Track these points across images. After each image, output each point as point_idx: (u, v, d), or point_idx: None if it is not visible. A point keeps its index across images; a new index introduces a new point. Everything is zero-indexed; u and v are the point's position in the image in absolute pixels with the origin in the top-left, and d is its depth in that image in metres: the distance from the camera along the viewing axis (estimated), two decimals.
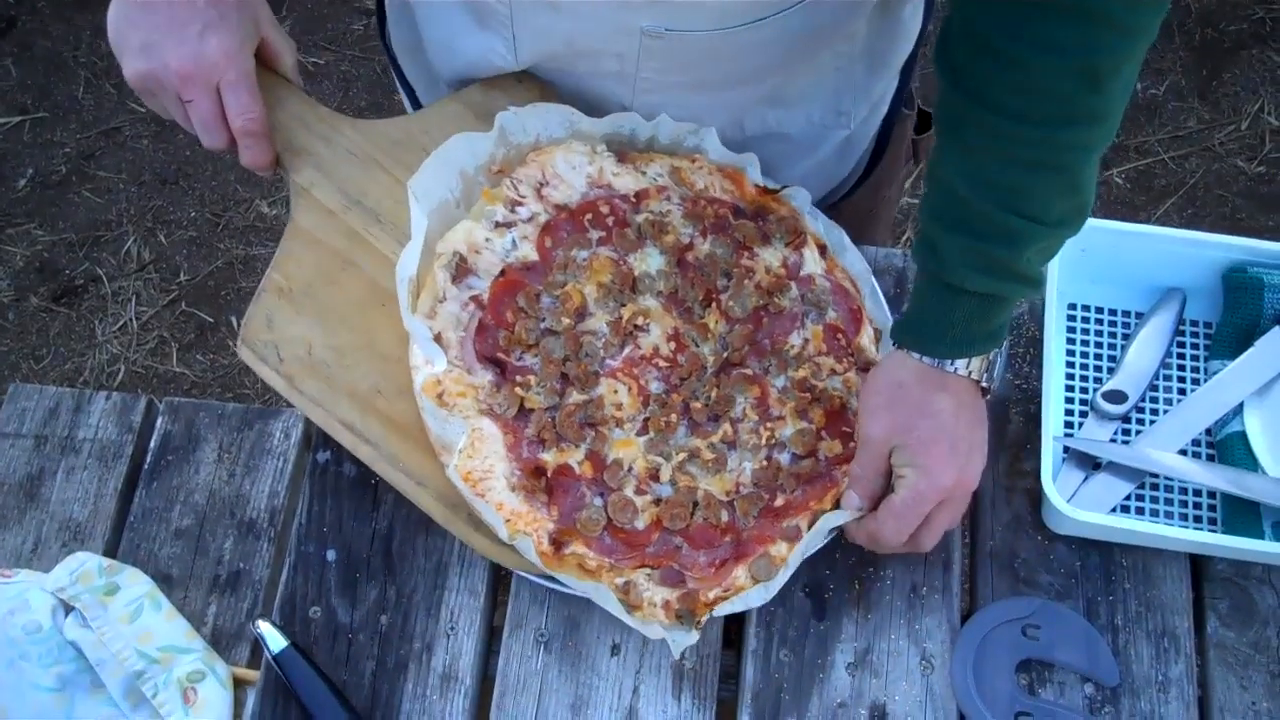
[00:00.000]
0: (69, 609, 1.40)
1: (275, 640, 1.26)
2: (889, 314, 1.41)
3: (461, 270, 1.38)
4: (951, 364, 1.23)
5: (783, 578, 1.26)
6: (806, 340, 1.39)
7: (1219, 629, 1.31)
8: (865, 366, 1.37)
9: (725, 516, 1.30)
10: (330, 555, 1.34)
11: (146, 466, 1.51)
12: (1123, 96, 1.10)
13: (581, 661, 1.29)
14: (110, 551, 1.48)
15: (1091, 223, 1.42)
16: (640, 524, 1.29)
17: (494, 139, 1.44)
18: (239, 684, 1.43)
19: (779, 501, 1.31)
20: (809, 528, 1.28)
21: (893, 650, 1.29)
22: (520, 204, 1.43)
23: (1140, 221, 3.00)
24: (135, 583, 1.43)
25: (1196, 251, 1.44)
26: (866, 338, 1.39)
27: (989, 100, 1.11)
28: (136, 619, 1.41)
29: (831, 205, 1.65)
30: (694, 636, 1.23)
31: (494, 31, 1.42)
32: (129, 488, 1.50)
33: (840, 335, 1.40)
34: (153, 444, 1.51)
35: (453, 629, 1.30)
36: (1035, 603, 1.31)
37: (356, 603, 1.32)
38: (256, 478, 1.45)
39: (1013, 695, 1.26)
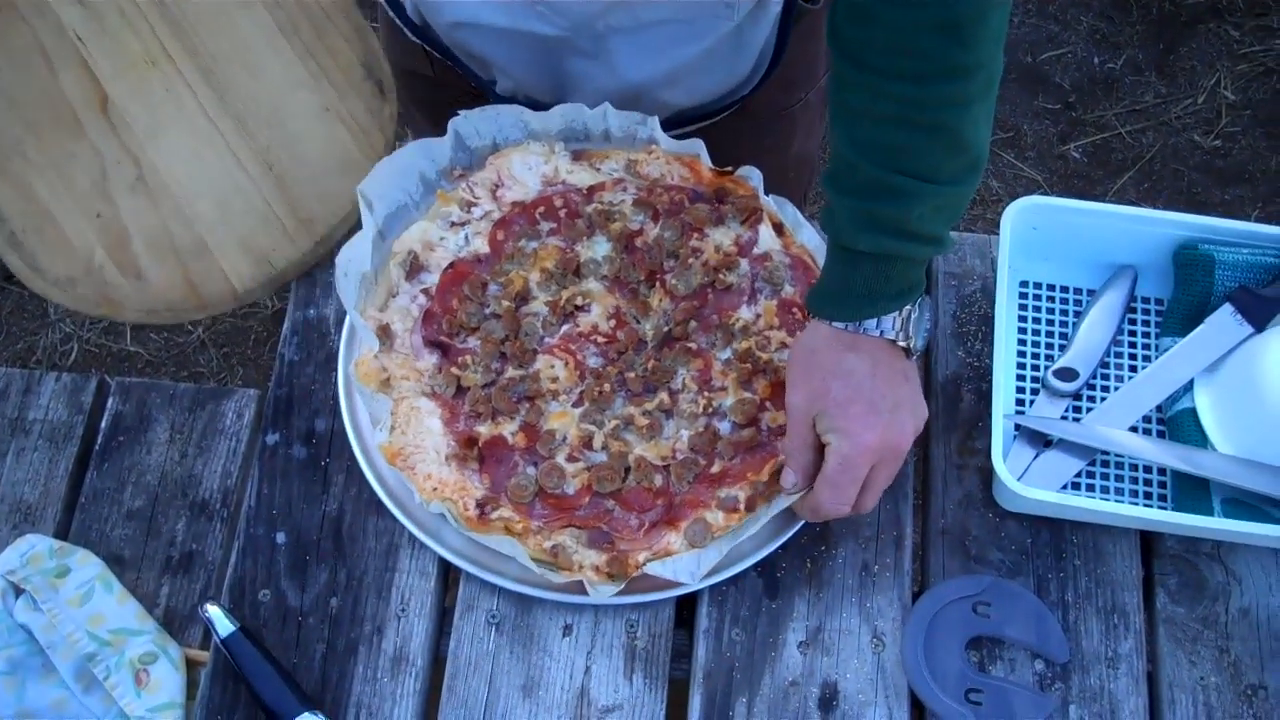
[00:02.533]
0: (19, 591, 1.39)
1: (224, 624, 1.25)
2: None
3: (414, 268, 1.41)
4: (860, 325, 1.23)
5: (714, 556, 1.27)
6: (758, 315, 1.40)
7: (1168, 605, 1.32)
8: None
9: (659, 480, 1.31)
10: (280, 538, 1.33)
11: (98, 447, 1.50)
12: (992, 47, 1.12)
13: (533, 642, 1.29)
14: (61, 533, 1.47)
15: (1043, 200, 1.43)
16: (570, 489, 1.31)
17: (450, 144, 1.47)
18: (192, 666, 1.43)
19: (715, 468, 1.32)
20: (748, 503, 1.29)
21: (844, 628, 1.30)
22: (475, 205, 1.46)
23: (1097, 196, 3.02)
24: (86, 565, 1.42)
25: (1148, 229, 1.45)
26: None
27: (863, 61, 1.14)
28: (88, 601, 1.40)
29: (740, 102, 1.65)
30: (615, 585, 1.25)
31: None
32: (80, 469, 1.49)
33: (796, 309, 1.40)
34: (104, 424, 1.50)
35: (404, 611, 1.30)
36: (986, 580, 1.31)
37: (306, 585, 1.31)
38: (209, 458, 1.44)
39: (963, 672, 1.27)
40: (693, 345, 1.39)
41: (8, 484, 1.46)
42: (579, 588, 1.26)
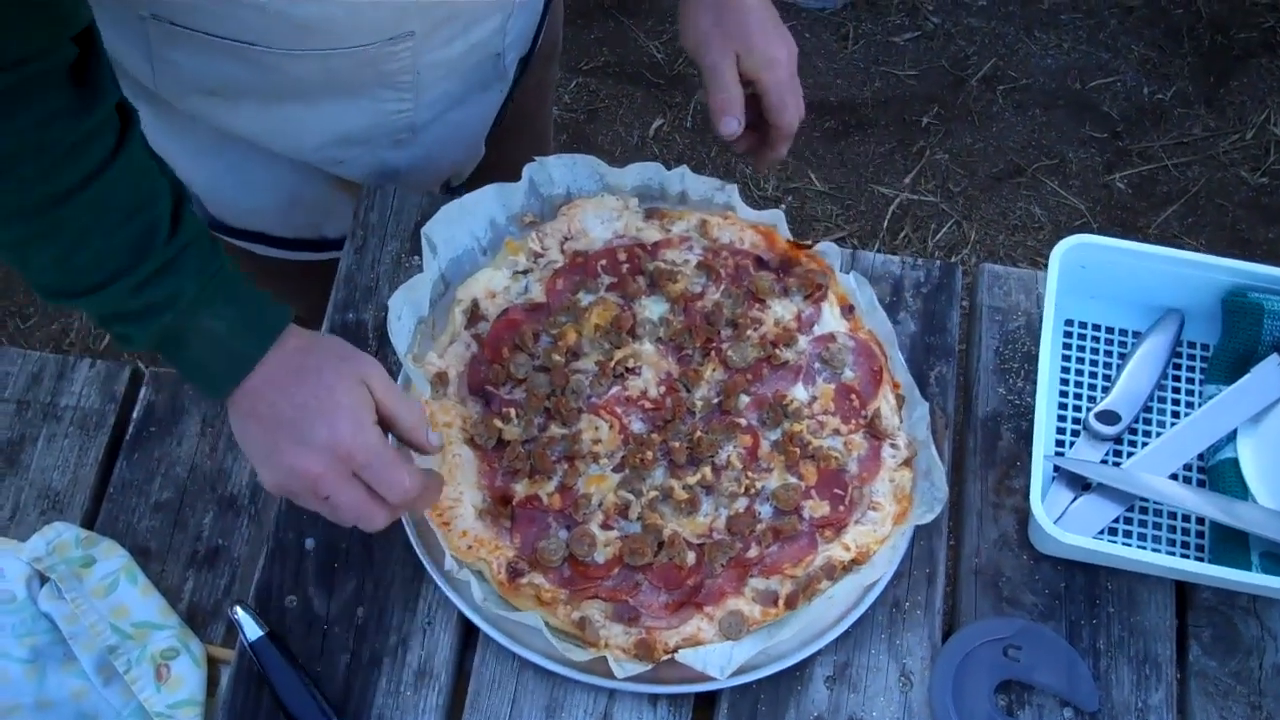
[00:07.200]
0: (44, 580, 1.39)
1: (252, 628, 1.24)
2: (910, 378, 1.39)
3: (474, 316, 1.39)
4: None
5: (748, 650, 1.23)
6: (814, 398, 1.37)
7: (1201, 657, 1.31)
8: (878, 434, 1.35)
9: (691, 559, 1.27)
10: (309, 544, 1.31)
11: (129, 437, 1.50)
12: None
13: None
14: (89, 522, 1.48)
15: (1092, 239, 1.41)
16: (600, 558, 1.27)
17: (524, 190, 1.45)
18: (213, 662, 1.43)
19: (751, 552, 1.28)
20: (788, 599, 1.26)
21: (872, 665, 1.28)
22: (542, 255, 1.43)
23: (1140, 228, 3.00)
24: (112, 556, 1.43)
25: (1197, 273, 1.43)
26: (886, 404, 1.36)
27: None
28: (112, 593, 1.41)
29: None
30: (640, 666, 1.22)
31: None
32: (110, 458, 1.49)
33: (854, 396, 1.37)
34: (136, 414, 1.50)
35: (429, 624, 1.28)
36: (1017, 623, 1.30)
37: (334, 593, 1.29)
38: (239, 453, 1.44)
39: (991, 716, 1.25)
40: (741, 421, 1.35)
41: (37, 470, 1.46)
42: (601, 667, 1.23)
